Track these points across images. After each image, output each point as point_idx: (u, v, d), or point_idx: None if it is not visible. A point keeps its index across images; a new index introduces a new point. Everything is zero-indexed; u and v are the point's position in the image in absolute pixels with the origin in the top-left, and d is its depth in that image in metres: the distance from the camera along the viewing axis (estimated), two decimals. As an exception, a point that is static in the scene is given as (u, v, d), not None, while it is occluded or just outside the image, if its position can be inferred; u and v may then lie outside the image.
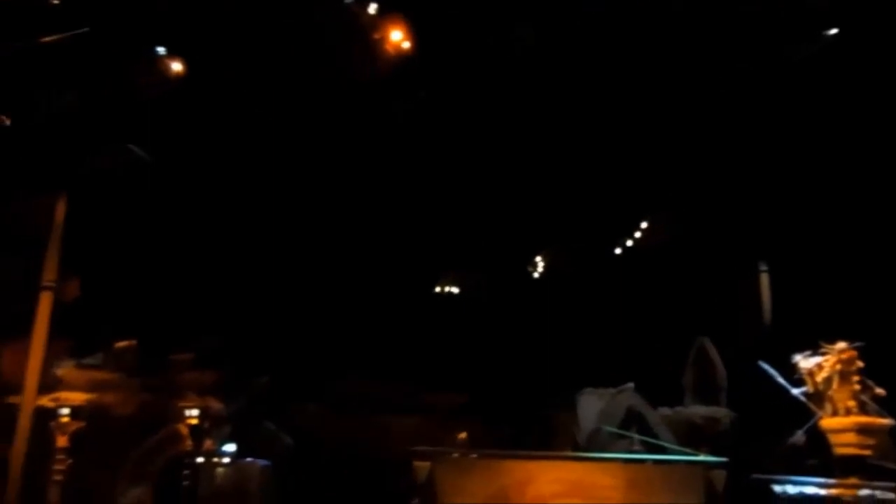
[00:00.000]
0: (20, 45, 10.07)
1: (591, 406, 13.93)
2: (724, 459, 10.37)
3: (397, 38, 13.36)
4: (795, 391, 10.39)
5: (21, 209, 11.54)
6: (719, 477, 10.09)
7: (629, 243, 16.49)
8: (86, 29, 10.13)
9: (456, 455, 10.84)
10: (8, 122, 10.47)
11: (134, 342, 12.26)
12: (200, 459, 11.50)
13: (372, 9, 13.35)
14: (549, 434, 14.63)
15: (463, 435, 12.47)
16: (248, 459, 12.59)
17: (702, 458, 10.56)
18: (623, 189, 15.38)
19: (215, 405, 12.27)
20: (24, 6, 10.25)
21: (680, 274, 15.23)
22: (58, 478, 10.27)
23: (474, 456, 10.81)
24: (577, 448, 13.15)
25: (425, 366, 15.56)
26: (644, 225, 16.33)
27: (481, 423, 14.31)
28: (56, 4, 10.30)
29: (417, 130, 14.50)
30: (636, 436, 12.20)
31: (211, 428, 11.77)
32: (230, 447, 12.39)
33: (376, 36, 13.31)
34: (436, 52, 13.41)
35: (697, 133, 14.27)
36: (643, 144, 14.56)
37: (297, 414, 15.12)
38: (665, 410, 13.66)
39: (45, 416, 10.59)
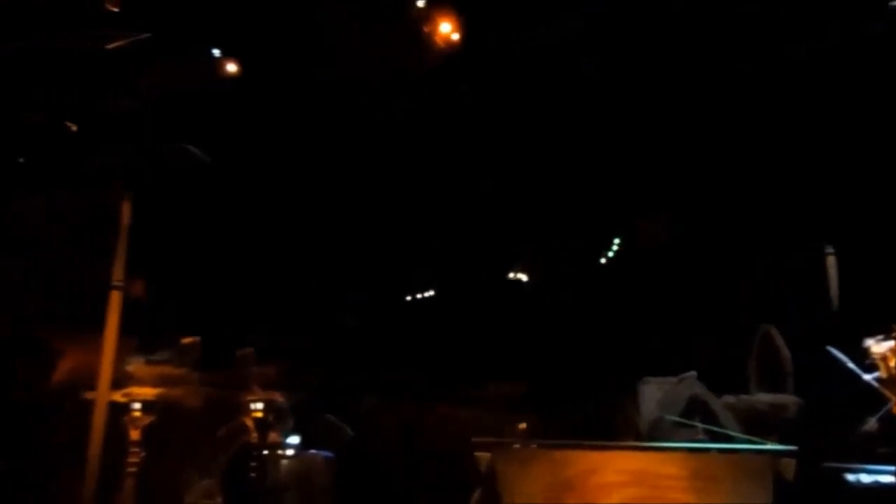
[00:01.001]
0: (82, 49, 10.39)
1: (652, 395, 13.73)
2: (793, 448, 10.11)
3: (446, 30, 13.34)
4: (867, 377, 10.08)
5: (84, 208, 11.94)
6: (789, 466, 9.83)
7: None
8: (147, 35, 10.41)
9: (517, 446, 10.83)
10: (74, 129, 10.88)
11: (198, 338, 12.60)
12: (266, 452, 11.79)
13: (421, 1, 13.35)
14: (609, 424, 14.51)
15: (523, 425, 12.46)
16: (312, 451, 12.85)
17: (770, 446, 10.32)
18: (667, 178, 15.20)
19: (279, 398, 12.54)
20: (81, 11, 10.54)
21: (734, 258, 14.94)
22: (132, 470, 10.68)
23: (535, 446, 10.78)
24: (639, 438, 12.99)
25: (482, 355, 15.58)
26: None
27: (540, 413, 14.28)
28: (115, 12, 10.58)
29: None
30: (700, 424, 11.98)
31: (275, 421, 12.04)
32: (294, 439, 12.66)
33: (426, 29, 13.31)
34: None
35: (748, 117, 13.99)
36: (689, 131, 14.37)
37: (354, 405, 15.32)
38: (729, 398, 13.38)
39: (118, 411, 11.00)
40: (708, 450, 10.61)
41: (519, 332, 15.98)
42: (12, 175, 11.70)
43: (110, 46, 10.55)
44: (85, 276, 11.89)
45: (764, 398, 13.52)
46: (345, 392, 15.26)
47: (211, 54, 12.18)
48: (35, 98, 11.17)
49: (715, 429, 11.85)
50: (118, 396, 11.22)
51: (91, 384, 11.11)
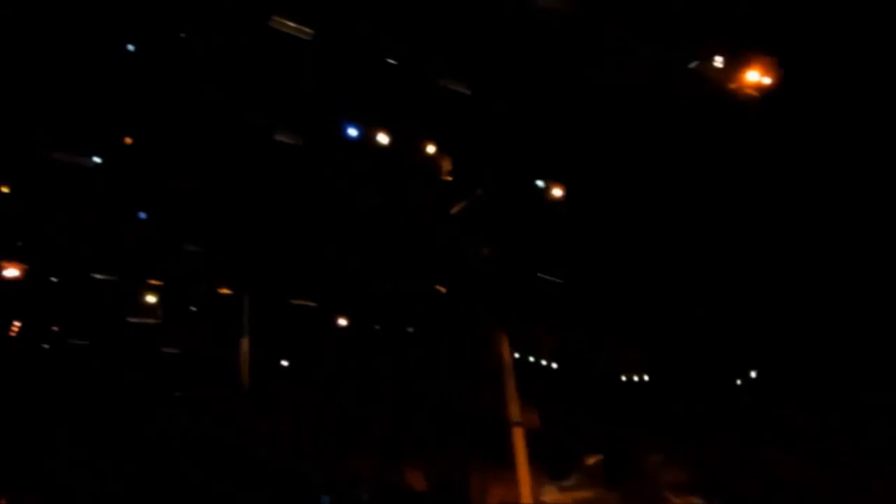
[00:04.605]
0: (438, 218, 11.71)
1: None
2: None
3: (754, 78, 12.57)
4: None
5: (478, 345, 12.94)
6: None
7: None
8: (480, 191, 11.43)
9: None
10: (444, 291, 12.19)
11: (601, 455, 12.64)
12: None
13: (718, 62, 12.84)
14: None
15: None
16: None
17: None
18: None
19: (698, 502, 11.91)
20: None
21: None
22: None
23: None
24: None
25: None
26: None
27: None
28: (450, 180, 11.83)
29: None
30: None
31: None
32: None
33: (731, 86, 12.69)
34: None
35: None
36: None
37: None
38: None
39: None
40: None
41: None
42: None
43: (454, 210, 11.74)
44: (483, 412, 12.73)
45: None
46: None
47: (535, 185, 12.84)
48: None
49: None
50: (545, 527, 11.56)
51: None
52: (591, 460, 12.66)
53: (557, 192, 12.68)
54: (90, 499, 10.65)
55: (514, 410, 11.77)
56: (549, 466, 12.82)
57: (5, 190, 10.31)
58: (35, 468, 10.71)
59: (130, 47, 9.74)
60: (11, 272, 10.88)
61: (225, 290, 12.68)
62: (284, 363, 14.67)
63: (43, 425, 11.66)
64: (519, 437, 11.54)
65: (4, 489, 10.33)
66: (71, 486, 10.65)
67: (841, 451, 12.83)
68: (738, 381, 15.12)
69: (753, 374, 15.06)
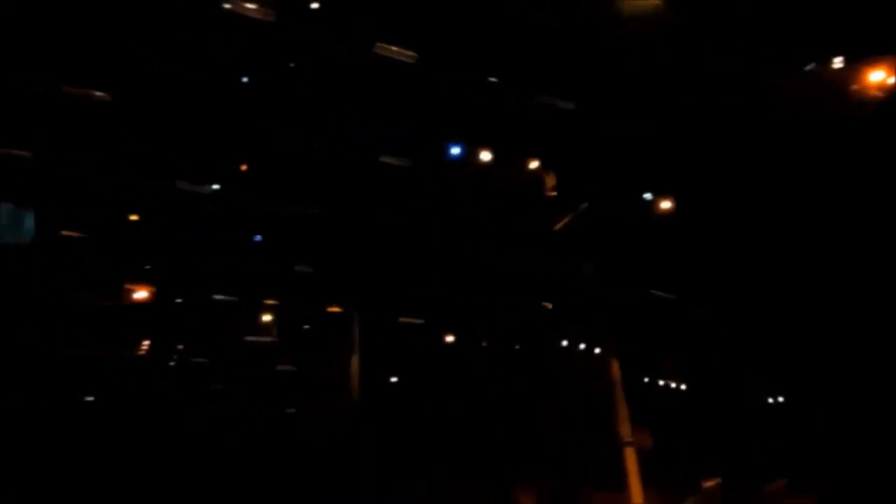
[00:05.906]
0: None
1: None
2: None
3: (878, 78, 11.79)
4: None
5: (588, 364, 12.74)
6: None
7: None
8: (585, 205, 11.23)
9: None
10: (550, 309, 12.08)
11: (719, 479, 12.09)
12: None
13: (837, 62, 12.15)
14: None
15: None
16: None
17: None
18: None
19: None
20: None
21: None
22: None
23: None
24: None
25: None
26: None
27: None
28: (553, 196, 11.69)
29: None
30: None
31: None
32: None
33: (853, 87, 11.95)
34: None
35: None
36: None
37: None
38: None
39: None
40: None
41: None
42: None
43: (558, 227, 11.59)
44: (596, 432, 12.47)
45: None
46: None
47: (643, 199, 12.48)
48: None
49: None
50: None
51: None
52: (709, 484, 12.12)
53: (666, 204, 12.30)
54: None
55: (626, 430, 11.47)
56: (665, 489, 12.38)
57: (135, 218, 11.07)
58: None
59: (245, 79, 10.27)
60: (141, 294, 11.64)
61: (335, 309, 13.05)
62: (393, 379, 14.91)
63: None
64: (631, 457, 11.23)
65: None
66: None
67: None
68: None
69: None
